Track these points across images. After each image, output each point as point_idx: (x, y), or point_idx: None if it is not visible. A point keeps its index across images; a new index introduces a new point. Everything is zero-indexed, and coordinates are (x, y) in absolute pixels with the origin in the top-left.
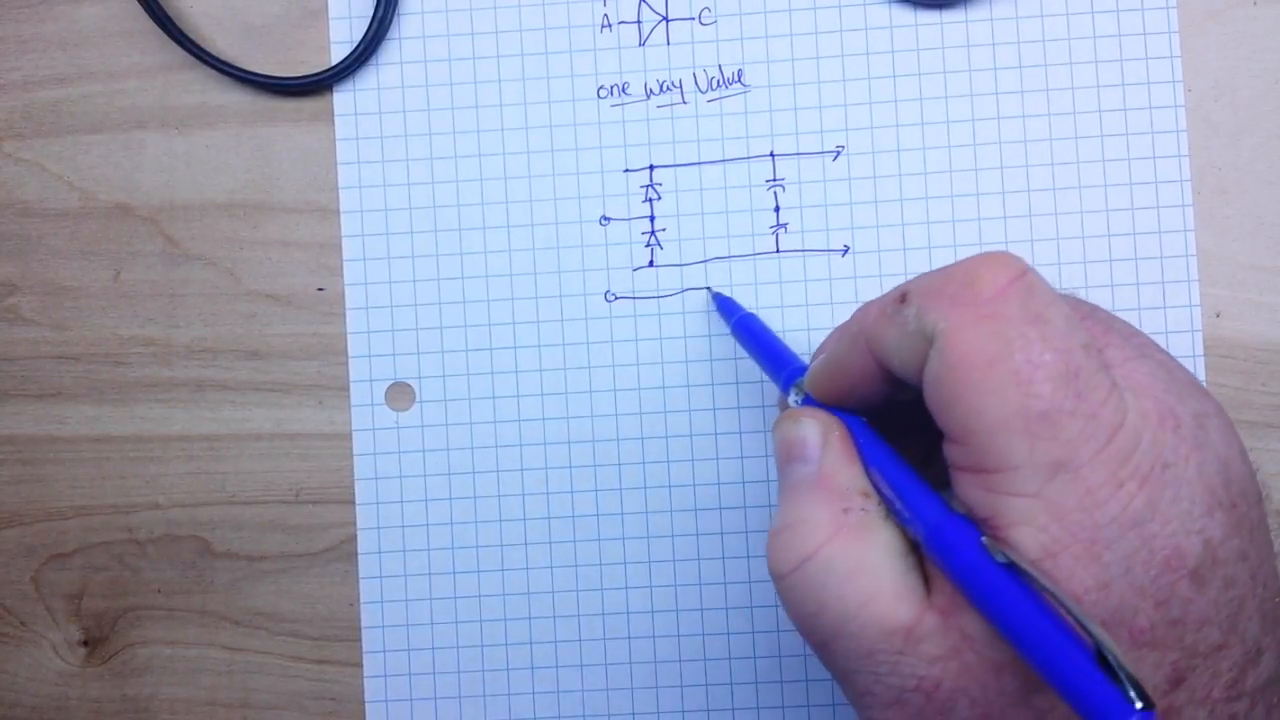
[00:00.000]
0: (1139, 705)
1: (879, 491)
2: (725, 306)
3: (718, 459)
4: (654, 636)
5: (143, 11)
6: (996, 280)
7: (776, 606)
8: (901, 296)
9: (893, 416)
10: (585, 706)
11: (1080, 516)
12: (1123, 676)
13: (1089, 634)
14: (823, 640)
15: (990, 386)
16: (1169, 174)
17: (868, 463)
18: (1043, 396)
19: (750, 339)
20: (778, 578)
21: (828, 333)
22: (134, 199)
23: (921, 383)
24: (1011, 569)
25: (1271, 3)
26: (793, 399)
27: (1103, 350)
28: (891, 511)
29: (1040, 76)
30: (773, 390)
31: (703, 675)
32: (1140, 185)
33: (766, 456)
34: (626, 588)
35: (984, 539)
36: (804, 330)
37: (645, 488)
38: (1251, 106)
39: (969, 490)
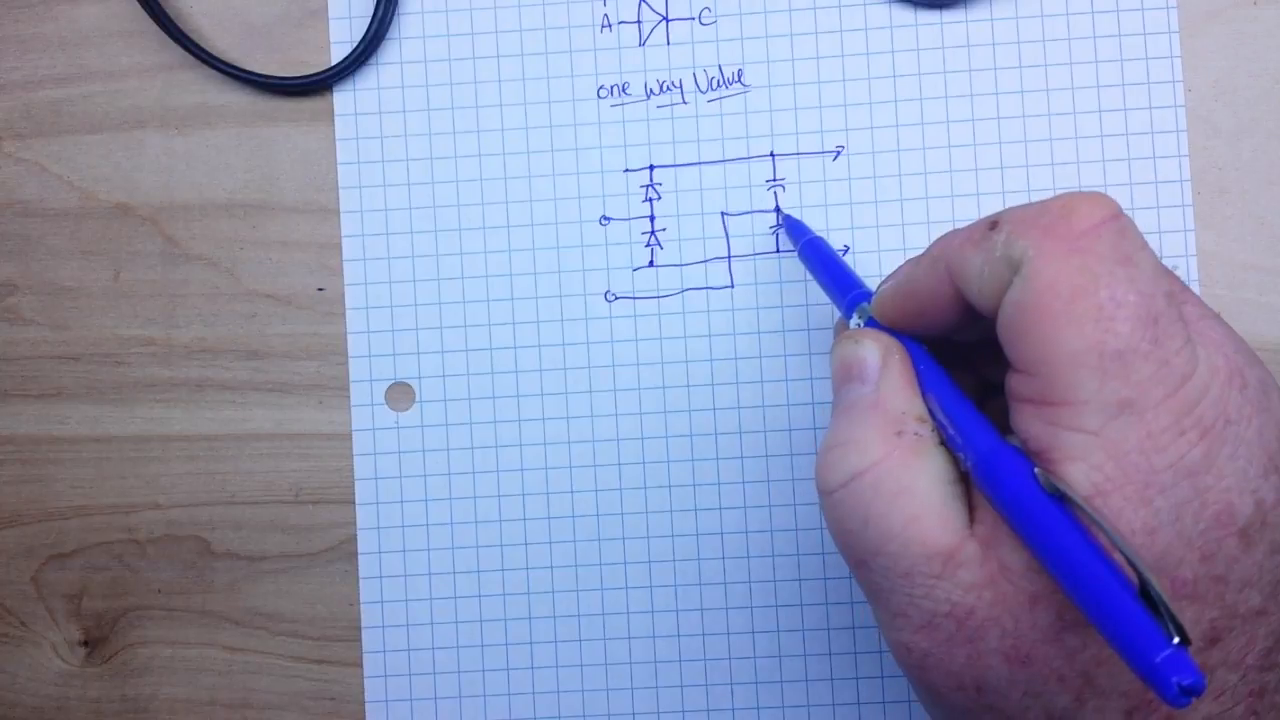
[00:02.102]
0: (1175, 640)
1: (933, 417)
2: (794, 229)
3: (718, 459)
4: (654, 636)
5: (143, 11)
6: (1091, 216)
7: (776, 606)
8: (992, 223)
9: (950, 353)
10: (585, 706)
11: (1137, 459)
12: (1164, 613)
13: (1135, 571)
14: (862, 557)
15: (1071, 318)
16: (1169, 174)
17: (925, 387)
18: (1121, 335)
19: (816, 261)
20: (825, 493)
21: (829, 333)
22: (134, 199)
23: (996, 311)
24: (1060, 500)
25: (1271, 3)
26: (854, 323)
27: (1181, 304)
28: (944, 438)
29: (1040, 76)
30: (775, 390)
31: (703, 675)
32: (1140, 185)
33: (767, 456)
34: (626, 588)
35: (1036, 469)
36: (804, 330)
37: (645, 488)
38: (1251, 106)
39: (1028, 422)
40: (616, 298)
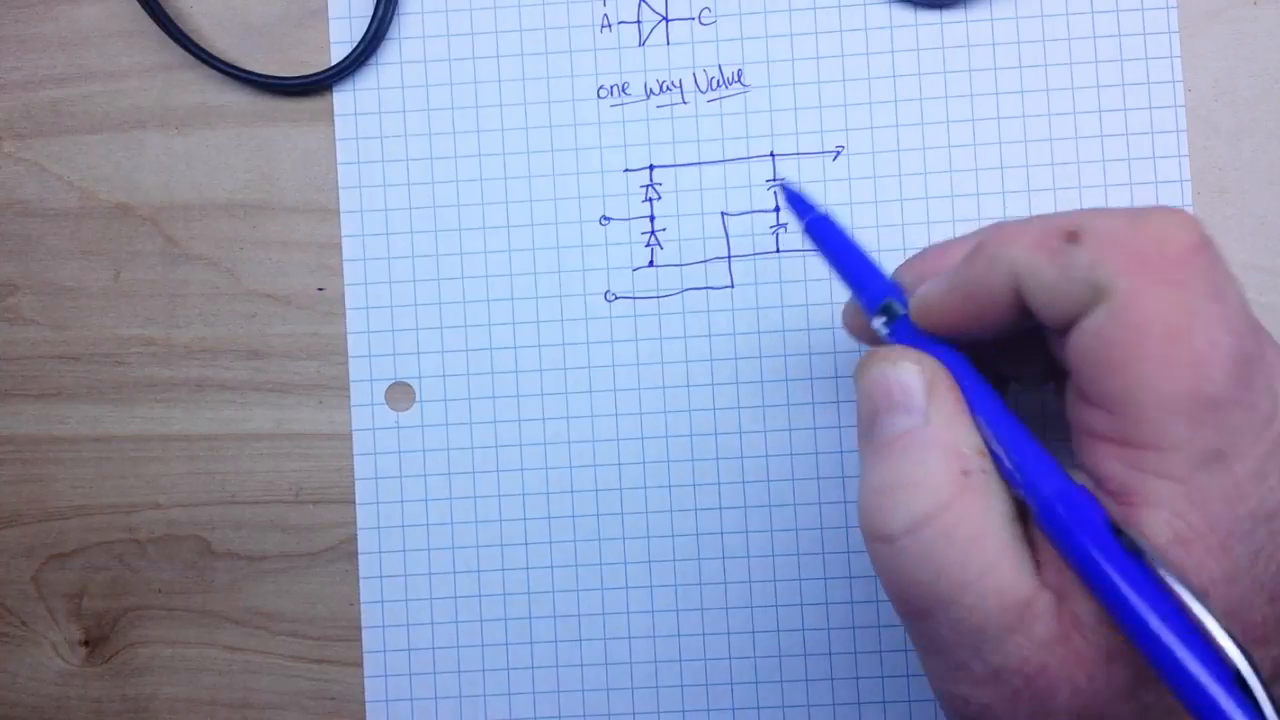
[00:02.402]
0: None
1: (988, 445)
2: (796, 204)
3: (718, 459)
4: (654, 636)
5: (143, 11)
6: (1185, 243)
7: (776, 606)
8: (1071, 233)
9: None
10: (585, 706)
11: (1222, 508)
12: (1259, 697)
13: (1220, 642)
14: (927, 609)
15: (1165, 360)
16: (1169, 174)
17: (974, 411)
18: (1216, 382)
19: (827, 245)
20: (884, 540)
21: (830, 333)
22: (134, 199)
23: (1064, 328)
24: (1137, 555)
25: (1272, 3)
26: (877, 324)
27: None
28: (1000, 469)
29: (1040, 76)
30: (775, 389)
31: (703, 675)
32: (1140, 185)
33: (767, 457)
34: (626, 587)
35: (1113, 519)
36: (804, 330)
37: (645, 488)
38: (1251, 106)
39: (1105, 460)
40: (616, 298)
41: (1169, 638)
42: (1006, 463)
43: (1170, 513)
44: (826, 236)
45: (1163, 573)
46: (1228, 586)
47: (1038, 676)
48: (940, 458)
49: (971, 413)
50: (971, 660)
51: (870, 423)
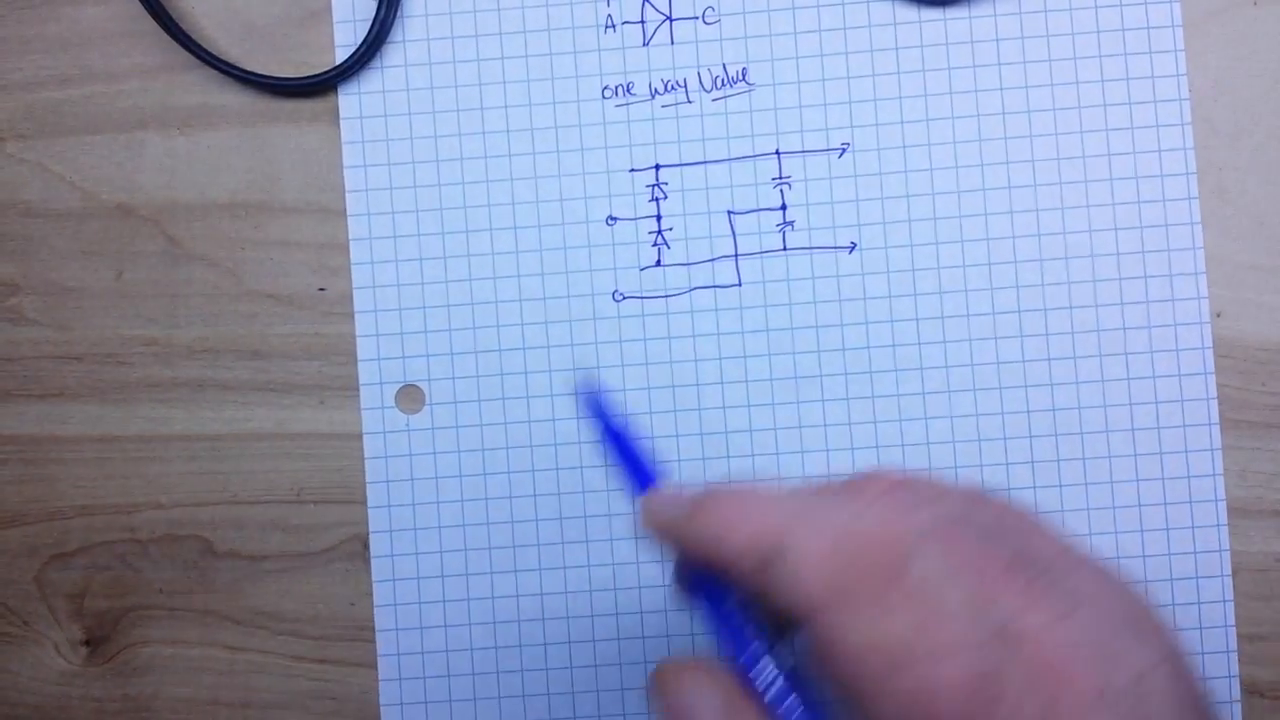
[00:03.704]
0: None
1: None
2: (593, 409)
3: (728, 457)
4: (668, 636)
5: (144, 12)
6: (888, 565)
7: None
8: (775, 552)
9: None
10: (600, 706)
11: None
12: None
13: None
14: None
15: (886, 702)
16: (1174, 168)
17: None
18: (951, 712)
19: (617, 451)
20: None
21: (838, 330)
22: (136, 199)
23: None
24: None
25: (1272, 3)
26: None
27: (1000, 608)
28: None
29: (1045, 71)
30: (784, 387)
31: None
32: (1146, 179)
33: (778, 454)
34: (639, 587)
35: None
36: (812, 328)
37: None
38: (1251, 106)
39: None
40: (624, 297)
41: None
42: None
43: None
44: (619, 445)
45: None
46: None
47: None
48: None
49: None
50: None
51: None
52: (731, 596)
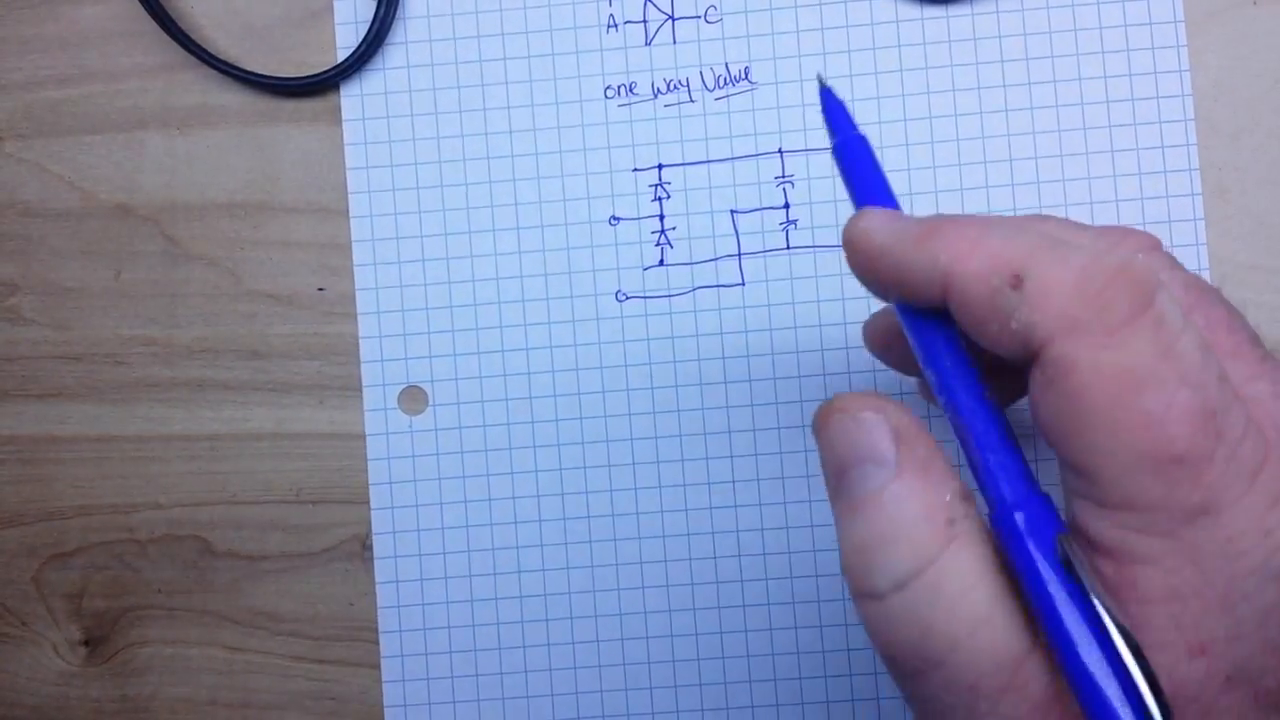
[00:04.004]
0: None
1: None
2: (834, 117)
3: (732, 457)
4: (671, 636)
5: (144, 11)
6: (1126, 307)
7: (792, 603)
8: (1015, 279)
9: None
10: (604, 707)
11: (1220, 564)
12: None
13: (1136, 680)
14: (917, 669)
15: (1117, 427)
16: (1177, 163)
17: (953, 409)
18: (1179, 439)
19: (848, 170)
20: (871, 599)
21: (842, 328)
22: (135, 199)
23: (1019, 365)
24: (1077, 579)
25: (1272, 2)
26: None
27: (1238, 381)
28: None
29: (1047, 68)
30: (789, 386)
31: (721, 674)
32: (1149, 175)
33: (781, 454)
34: (643, 588)
35: (1063, 537)
36: (816, 326)
37: (660, 487)
38: (1251, 106)
39: (1091, 520)
40: (627, 297)
41: (1090, 665)
42: (970, 455)
43: (1163, 569)
44: (854, 161)
45: (1095, 600)
46: (1230, 645)
47: None
48: (921, 510)
49: (941, 388)
50: None
51: (839, 478)
52: (944, 335)
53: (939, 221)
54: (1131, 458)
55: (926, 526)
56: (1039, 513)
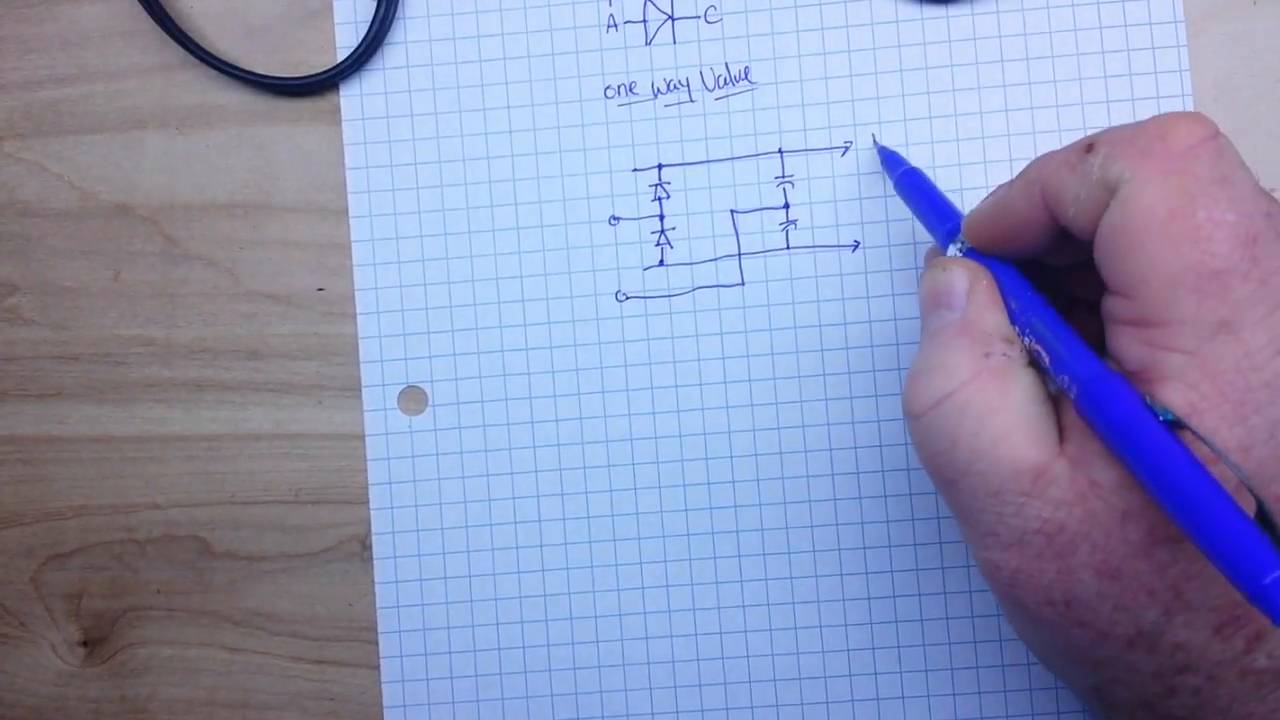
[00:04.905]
0: None
1: (1027, 339)
2: (889, 160)
3: (732, 457)
4: (671, 636)
5: (143, 11)
6: (1189, 136)
7: (793, 603)
8: (1089, 145)
9: (1041, 276)
10: (604, 708)
11: (1234, 378)
12: (1277, 536)
13: (1251, 495)
14: (951, 477)
15: (1168, 239)
16: None
17: (1021, 309)
18: (1219, 255)
19: (913, 193)
20: (913, 417)
21: (842, 329)
22: (134, 199)
23: (1091, 236)
24: (1169, 425)
25: (1272, 3)
26: (951, 253)
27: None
28: (1037, 359)
29: (1047, 68)
30: (789, 386)
31: (721, 674)
32: None
33: (781, 454)
34: (643, 588)
35: (1145, 395)
36: (816, 326)
37: (659, 487)
38: (1251, 106)
39: (1125, 343)
40: (627, 297)
41: (1195, 493)
42: (1046, 353)
43: (1183, 384)
44: (913, 187)
45: (1185, 438)
46: (1241, 455)
47: (1057, 535)
48: (966, 343)
49: (1019, 311)
50: (997, 525)
51: (923, 319)
52: (1016, 272)
53: (1023, 171)
54: (1175, 270)
55: (965, 357)
56: (1117, 381)
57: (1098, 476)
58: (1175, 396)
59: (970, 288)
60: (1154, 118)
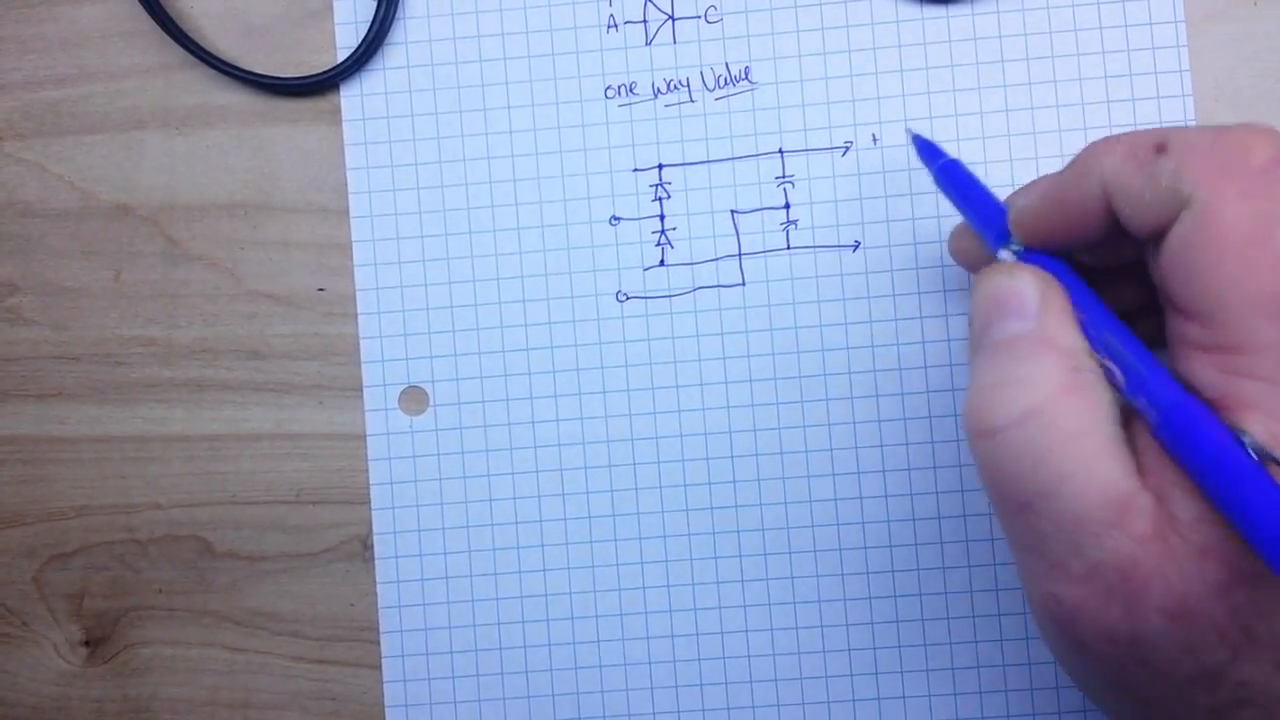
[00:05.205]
0: None
1: (1099, 355)
2: (926, 151)
3: (733, 457)
4: (672, 636)
5: (143, 11)
6: (1266, 154)
7: (794, 603)
8: (1159, 145)
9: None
10: (605, 707)
11: None
12: None
13: None
14: (1027, 501)
15: (1249, 264)
16: None
17: (1093, 322)
18: None
19: (954, 188)
20: (988, 433)
21: (840, 328)
22: (134, 199)
23: (1151, 237)
24: (1260, 460)
25: (1272, 3)
26: (1003, 255)
27: None
28: (1110, 381)
29: (1047, 68)
30: (789, 386)
31: (722, 674)
32: None
33: (781, 454)
34: (644, 588)
35: (1237, 429)
36: (816, 326)
37: (660, 487)
38: (1252, 106)
39: (1199, 368)
40: (628, 297)
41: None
42: (1118, 374)
43: (1265, 414)
44: (955, 180)
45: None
46: None
47: (1133, 573)
48: (1052, 356)
49: (1084, 325)
50: (1069, 557)
51: (984, 329)
52: (1085, 284)
53: (1081, 153)
54: (1255, 296)
55: (1054, 370)
56: (1203, 409)
57: (1178, 511)
58: (1256, 426)
59: (1043, 295)
60: (1231, 129)
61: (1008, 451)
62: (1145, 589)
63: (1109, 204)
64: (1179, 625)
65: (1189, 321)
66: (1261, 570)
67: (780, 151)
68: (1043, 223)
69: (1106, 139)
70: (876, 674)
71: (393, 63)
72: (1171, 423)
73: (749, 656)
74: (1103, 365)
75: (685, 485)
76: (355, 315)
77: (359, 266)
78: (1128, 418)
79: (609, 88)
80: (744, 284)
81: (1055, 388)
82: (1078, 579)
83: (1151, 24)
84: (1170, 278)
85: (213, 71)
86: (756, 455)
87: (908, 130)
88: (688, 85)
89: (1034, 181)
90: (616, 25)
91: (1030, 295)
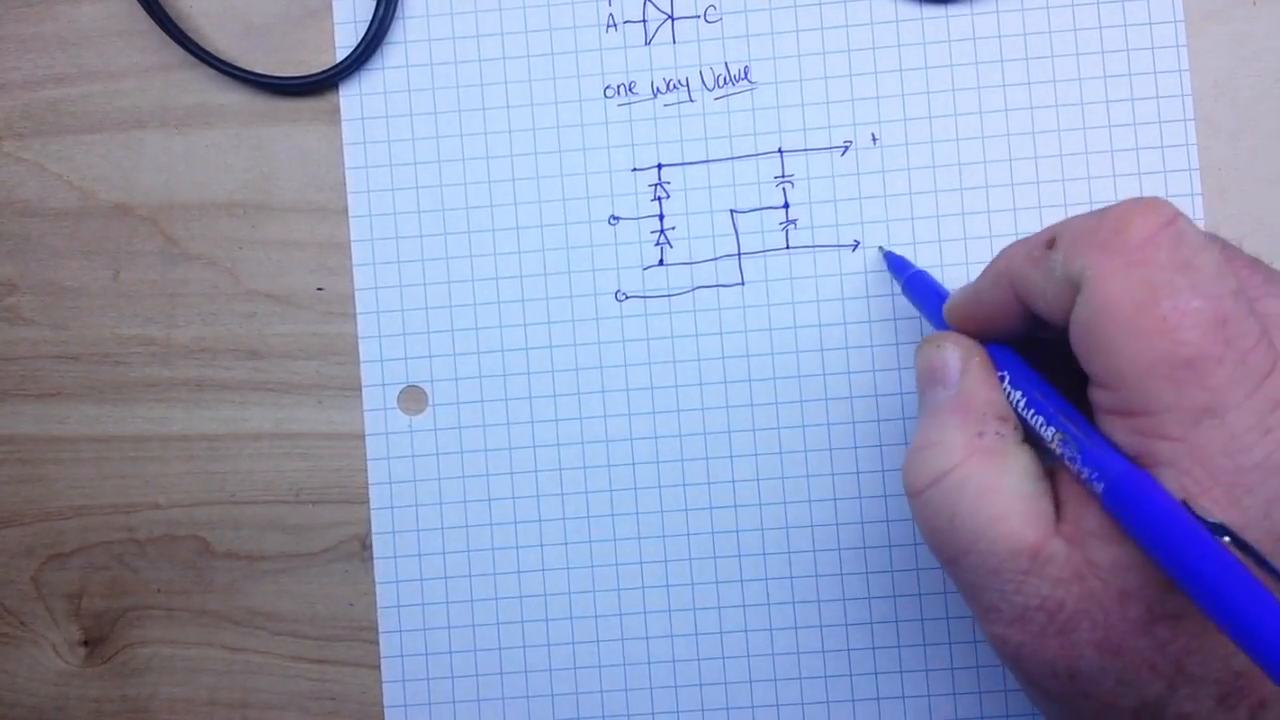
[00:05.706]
0: None
1: (1037, 421)
2: (896, 265)
3: (732, 457)
4: (671, 636)
5: (142, 11)
6: (1146, 226)
7: (793, 603)
8: (1050, 241)
9: (1039, 352)
10: (605, 707)
11: (1224, 461)
12: None
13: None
14: (952, 555)
15: (1136, 332)
16: (1177, 163)
17: (1031, 399)
18: (1189, 343)
19: (916, 295)
20: (912, 494)
21: (839, 328)
22: (133, 199)
23: (1065, 325)
24: (1201, 524)
25: (1272, 3)
26: None
27: (1253, 297)
28: (1033, 435)
29: (1047, 68)
30: (788, 386)
31: (721, 674)
32: (1149, 175)
33: (780, 454)
34: (643, 588)
35: (1181, 497)
36: (815, 326)
37: (660, 487)
38: (1251, 106)
39: (1115, 431)
40: (627, 297)
41: (1234, 593)
42: (1060, 446)
43: (1176, 470)
44: (918, 287)
45: (1217, 535)
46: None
47: (1057, 612)
48: (960, 422)
49: (1025, 399)
50: (1000, 602)
51: (920, 395)
52: (1018, 359)
53: (992, 262)
54: (1148, 361)
55: (960, 436)
56: (1145, 477)
57: (1095, 556)
58: (1169, 482)
59: (964, 364)
60: (1111, 208)
61: (928, 510)
62: (1074, 626)
63: (1022, 301)
64: (1111, 659)
65: (1101, 389)
66: (1182, 609)
67: (779, 151)
68: (969, 320)
69: (1012, 244)
70: (876, 674)
71: (392, 62)
72: (1116, 493)
73: (748, 656)
74: (1051, 444)
75: (684, 485)
76: (354, 315)
77: (358, 266)
78: (1052, 470)
79: (608, 87)
80: (743, 284)
81: (962, 451)
82: (1012, 621)
83: (1151, 24)
84: (1079, 353)
85: (212, 71)
86: (755, 455)
87: (879, 248)
88: (687, 85)
89: (970, 282)
90: (616, 25)
91: (952, 363)
